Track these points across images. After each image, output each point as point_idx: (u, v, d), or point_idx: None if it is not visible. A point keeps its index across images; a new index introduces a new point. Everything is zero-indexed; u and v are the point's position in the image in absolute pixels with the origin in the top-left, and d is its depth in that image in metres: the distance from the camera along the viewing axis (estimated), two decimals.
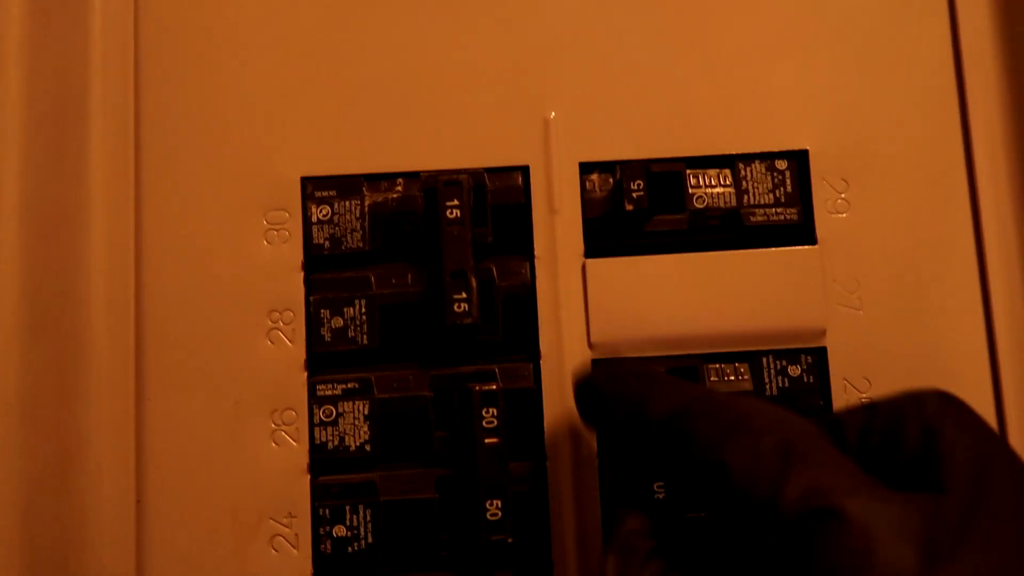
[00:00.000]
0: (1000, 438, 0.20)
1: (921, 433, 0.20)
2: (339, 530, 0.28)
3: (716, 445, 0.21)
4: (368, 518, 0.28)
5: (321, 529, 0.28)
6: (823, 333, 0.29)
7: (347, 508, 0.28)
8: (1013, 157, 0.29)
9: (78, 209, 0.29)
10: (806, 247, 0.29)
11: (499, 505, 0.27)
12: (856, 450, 0.21)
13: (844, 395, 0.29)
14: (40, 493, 0.28)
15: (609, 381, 0.25)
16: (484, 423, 0.28)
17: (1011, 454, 0.20)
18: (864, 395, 0.29)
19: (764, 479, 0.19)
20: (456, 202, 0.28)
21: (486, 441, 0.28)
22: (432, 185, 0.29)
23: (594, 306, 0.29)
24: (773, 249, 0.29)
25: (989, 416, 0.28)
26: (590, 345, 0.29)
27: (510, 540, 0.27)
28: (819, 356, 0.29)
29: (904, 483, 0.20)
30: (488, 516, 0.27)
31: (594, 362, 0.29)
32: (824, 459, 0.20)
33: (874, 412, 0.21)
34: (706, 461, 0.21)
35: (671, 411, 0.22)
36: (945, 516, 0.18)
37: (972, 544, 0.18)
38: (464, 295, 0.28)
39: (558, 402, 0.29)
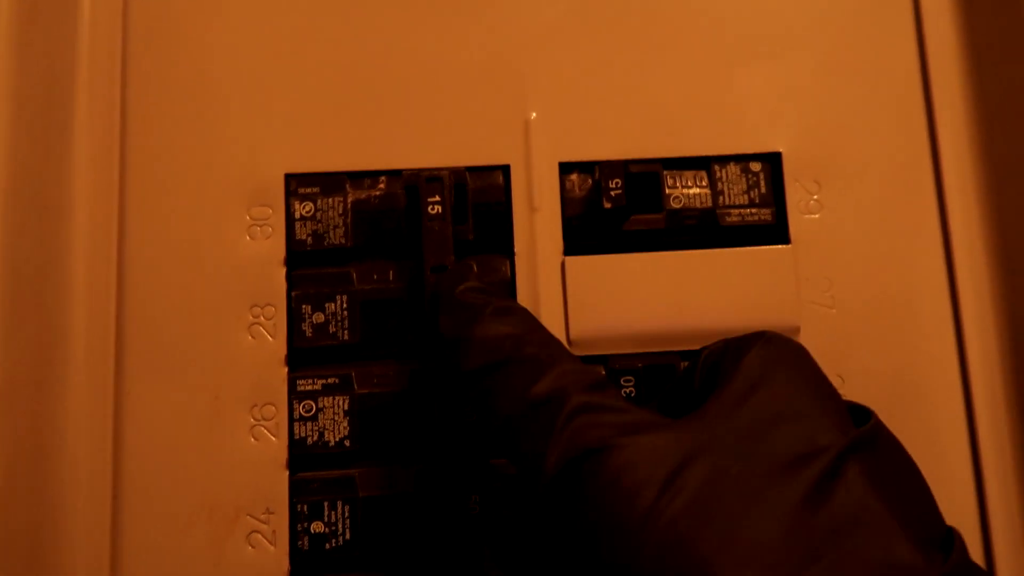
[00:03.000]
0: (808, 366, 0.22)
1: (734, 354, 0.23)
2: (317, 526, 0.28)
3: (507, 403, 0.22)
4: (346, 514, 0.28)
5: (299, 525, 0.28)
6: (797, 331, 0.30)
7: (325, 504, 0.28)
8: (978, 159, 0.30)
9: (62, 200, 0.29)
10: (780, 247, 0.30)
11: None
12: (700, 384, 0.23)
13: None
14: (14, 485, 0.27)
15: (445, 314, 0.25)
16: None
17: (803, 369, 0.22)
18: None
19: (540, 434, 0.21)
20: (438, 198, 0.29)
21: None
22: (414, 183, 0.29)
23: (573, 303, 0.29)
24: (748, 248, 0.30)
25: (958, 411, 0.29)
26: (569, 342, 0.29)
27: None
28: None
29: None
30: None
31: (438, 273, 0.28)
32: (608, 405, 0.21)
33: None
34: (495, 417, 0.22)
35: (482, 364, 0.23)
36: (704, 420, 0.20)
37: (717, 437, 0.20)
38: None
39: None
